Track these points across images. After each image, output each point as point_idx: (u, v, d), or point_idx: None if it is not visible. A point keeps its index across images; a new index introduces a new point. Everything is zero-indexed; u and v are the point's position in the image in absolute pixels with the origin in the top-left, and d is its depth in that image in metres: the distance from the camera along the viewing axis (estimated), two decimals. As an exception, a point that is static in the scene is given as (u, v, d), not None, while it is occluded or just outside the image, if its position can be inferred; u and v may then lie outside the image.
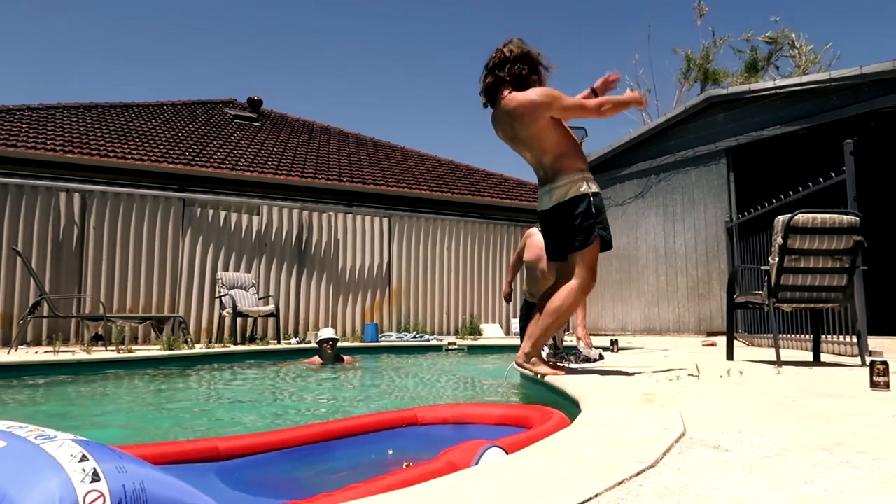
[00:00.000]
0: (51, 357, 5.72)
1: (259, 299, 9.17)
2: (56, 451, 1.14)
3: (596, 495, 1.14)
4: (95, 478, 1.09)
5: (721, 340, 7.07)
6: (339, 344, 7.59)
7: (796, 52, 12.83)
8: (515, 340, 9.46)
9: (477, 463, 1.61)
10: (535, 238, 5.28)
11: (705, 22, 13.85)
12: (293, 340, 9.17)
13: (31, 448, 1.15)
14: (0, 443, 1.17)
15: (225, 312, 8.65)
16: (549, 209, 3.38)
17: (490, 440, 1.75)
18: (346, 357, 6.72)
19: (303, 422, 2.96)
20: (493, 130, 3.51)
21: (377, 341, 9.39)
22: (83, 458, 1.12)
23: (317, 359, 6.47)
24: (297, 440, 2.19)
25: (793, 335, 6.05)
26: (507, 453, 1.70)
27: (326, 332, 6.47)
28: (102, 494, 1.07)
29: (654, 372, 3.53)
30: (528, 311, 5.41)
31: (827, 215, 3.87)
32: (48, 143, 10.21)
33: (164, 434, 3.01)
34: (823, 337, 4.91)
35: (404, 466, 1.98)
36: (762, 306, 4.26)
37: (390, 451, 2.32)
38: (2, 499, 1.04)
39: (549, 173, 3.35)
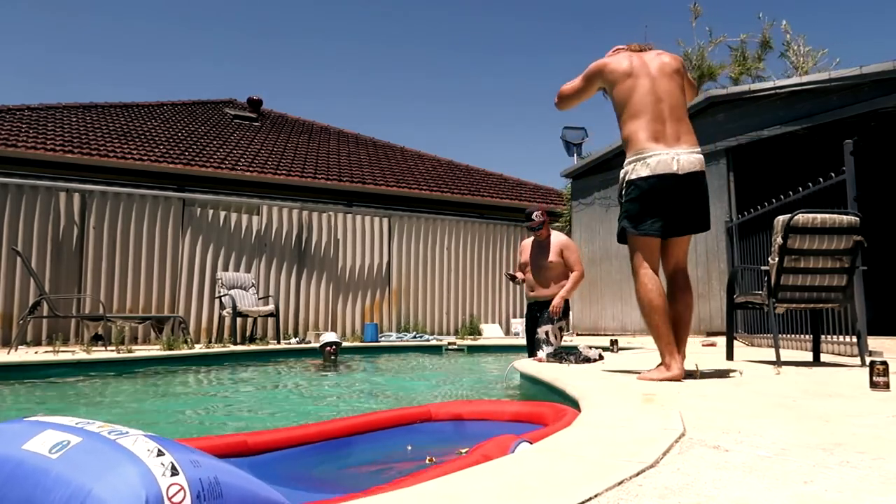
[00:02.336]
0: (51, 357, 5.72)
1: (259, 299, 9.17)
2: (133, 446, 1.14)
3: (596, 495, 1.14)
4: (174, 471, 1.10)
5: (721, 340, 7.07)
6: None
7: (791, 51, 12.86)
8: (515, 340, 9.46)
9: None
10: (524, 242, 5.66)
11: (701, 22, 13.89)
12: (293, 340, 9.17)
13: (107, 443, 1.15)
14: (75, 438, 1.17)
15: (225, 312, 8.65)
16: (691, 174, 3.09)
17: (518, 435, 1.78)
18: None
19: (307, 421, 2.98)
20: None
21: (377, 341, 9.39)
22: (160, 453, 1.13)
23: (320, 362, 6.47)
24: (322, 435, 2.28)
25: (793, 335, 6.05)
26: None
27: (329, 336, 6.43)
28: (183, 487, 1.09)
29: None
30: (531, 315, 5.47)
31: (827, 215, 3.86)
32: (48, 143, 10.21)
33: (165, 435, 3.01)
34: (823, 337, 4.91)
35: (426, 461, 2.02)
36: (762, 306, 4.26)
37: (409, 447, 2.38)
38: (87, 494, 1.04)
39: (686, 136, 3.15)
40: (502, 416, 2.55)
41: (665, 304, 3.14)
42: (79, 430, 1.20)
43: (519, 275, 5.64)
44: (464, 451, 2.02)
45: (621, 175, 3.22)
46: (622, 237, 3.27)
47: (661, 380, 3.05)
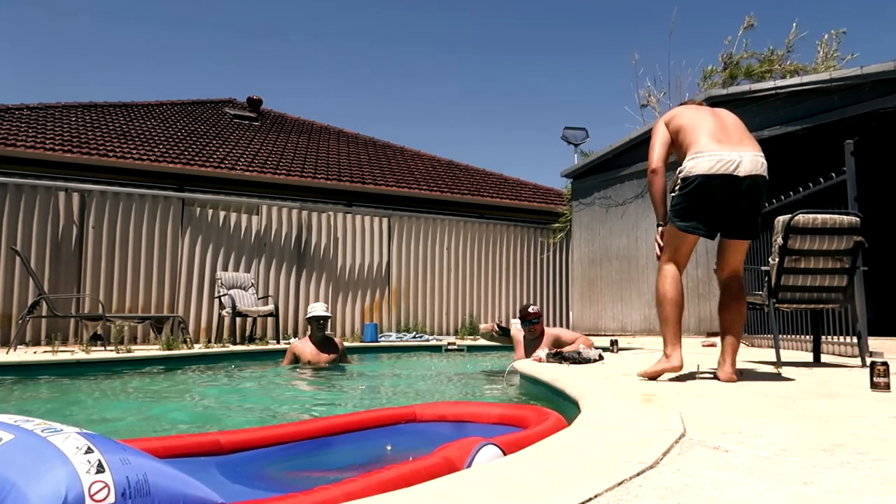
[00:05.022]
0: (49, 357, 5.71)
1: (258, 299, 9.16)
2: (62, 444, 1.17)
3: (596, 495, 1.13)
4: (100, 469, 1.12)
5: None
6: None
7: (822, 54, 12.82)
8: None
9: (472, 459, 1.61)
10: (515, 333, 5.83)
11: (746, 34, 13.84)
12: (292, 340, 9.14)
13: (38, 440, 1.18)
14: (8, 435, 1.19)
15: (224, 312, 8.65)
16: (752, 177, 3.01)
17: (486, 438, 1.75)
18: (337, 340, 6.27)
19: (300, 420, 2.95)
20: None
21: (377, 341, 9.38)
22: (88, 450, 1.15)
23: (308, 342, 6.03)
24: (298, 435, 2.22)
25: (793, 336, 6.04)
26: (504, 451, 1.70)
27: (317, 309, 6.04)
28: (107, 485, 1.10)
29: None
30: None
31: (827, 216, 3.86)
32: (47, 142, 10.20)
33: (162, 433, 3.00)
34: (824, 337, 4.90)
35: (410, 460, 1.99)
36: (762, 306, 4.25)
37: (388, 447, 2.34)
38: (10, 489, 1.07)
39: (749, 141, 3.14)
40: (488, 419, 2.50)
41: (678, 298, 3.15)
42: (14, 428, 1.23)
43: (493, 327, 6.03)
44: (410, 458, 1.98)
45: (677, 172, 3.14)
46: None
47: (661, 370, 3.07)
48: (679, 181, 3.09)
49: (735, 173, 2.98)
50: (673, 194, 3.14)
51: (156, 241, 9.15)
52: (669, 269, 3.20)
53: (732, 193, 3.01)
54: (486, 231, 12.05)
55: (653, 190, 3.28)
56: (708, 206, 3.04)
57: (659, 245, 3.29)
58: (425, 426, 2.56)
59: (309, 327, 6.17)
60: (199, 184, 10.87)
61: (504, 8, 37.92)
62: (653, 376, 3.12)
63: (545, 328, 5.65)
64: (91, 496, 1.08)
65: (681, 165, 3.12)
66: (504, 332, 6.00)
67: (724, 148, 3.04)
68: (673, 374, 3.20)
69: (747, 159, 3.01)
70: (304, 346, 6.00)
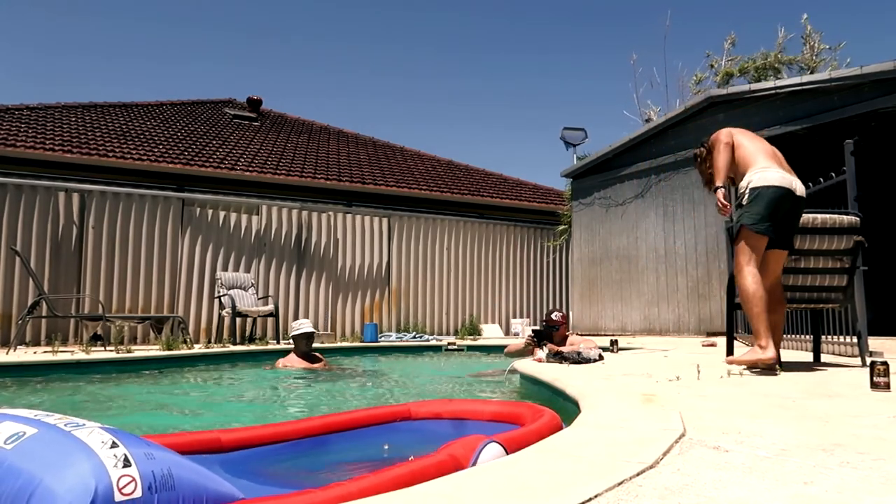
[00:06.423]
0: (49, 357, 5.71)
1: (258, 299, 9.16)
2: (87, 438, 1.16)
3: (596, 495, 1.13)
4: (127, 463, 1.12)
5: (721, 341, 7.06)
6: (340, 344, 7.46)
7: (808, 48, 12.88)
8: (515, 340, 9.45)
9: (477, 457, 1.62)
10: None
11: (707, 40, 14.10)
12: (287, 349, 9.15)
13: (62, 435, 1.17)
14: (31, 430, 1.18)
15: (224, 312, 8.64)
16: (803, 198, 3.64)
17: (488, 436, 1.76)
18: (320, 357, 6.17)
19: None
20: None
21: (376, 341, 9.38)
22: (114, 445, 1.15)
23: (294, 357, 6.04)
24: (296, 433, 2.25)
25: (793, 335, 6.04)
26: (505, 448, 1.70)
27: (307, 326, 6.00)
28: (134, 479, 1.10)
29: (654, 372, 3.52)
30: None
31: (827, 215, 3.86)
32: (47, 142, 10.20)
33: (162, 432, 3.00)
34: (823, 337, 4.89)
35: (410, 459, 2.00)
36: (762, 306, 4.24)
37: (386, 446, 2.36)
38: (38, 484, 1.06)
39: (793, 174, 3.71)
40: (482, 416, 2.52)
41: (763, 293, 3.55)
42: (35, 422, 1.22)
43: (528, 342, 5.94)
44: (411, 458, 1.99)
45: (744, 184, 3.63)
46: (736, 236, 3.65)
47: (755, 361, 3.44)
48: (749, 191, 3.57)
49: (794, 190, 3.57)
50: (745, 202, 3.60)
51: (156, 241, 9.15)
52: (751, 270, 3.57)
53: (791, 207, 3.58)
54: (486, 231, 12.05)
55: (715, 194, 3.78)
56: (777, 212, 3.54)
57: (722, 203, 3.74)
58: (420, 424, 2.58)
59: (294, 343, 6.06)
60: (199, 184, 10.87)
61: (504, 8, 37.89)
62: (750, 365, 3.49)
63: (570, 335, 5.76)
64: (119, 490, 1.07)
65: (743, 179, 3.65)
66: (541, 335, 5.81)
67: (780, 169, 3.62)
68: (672, 374, 3.21)
69: (798, 183, 3.62)
70: (292, 360, 6.01)
